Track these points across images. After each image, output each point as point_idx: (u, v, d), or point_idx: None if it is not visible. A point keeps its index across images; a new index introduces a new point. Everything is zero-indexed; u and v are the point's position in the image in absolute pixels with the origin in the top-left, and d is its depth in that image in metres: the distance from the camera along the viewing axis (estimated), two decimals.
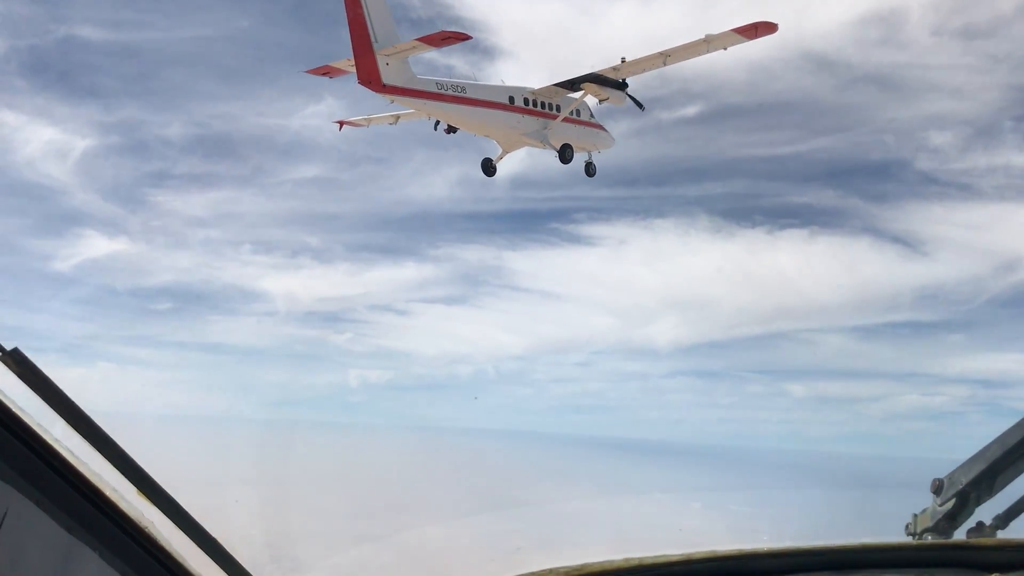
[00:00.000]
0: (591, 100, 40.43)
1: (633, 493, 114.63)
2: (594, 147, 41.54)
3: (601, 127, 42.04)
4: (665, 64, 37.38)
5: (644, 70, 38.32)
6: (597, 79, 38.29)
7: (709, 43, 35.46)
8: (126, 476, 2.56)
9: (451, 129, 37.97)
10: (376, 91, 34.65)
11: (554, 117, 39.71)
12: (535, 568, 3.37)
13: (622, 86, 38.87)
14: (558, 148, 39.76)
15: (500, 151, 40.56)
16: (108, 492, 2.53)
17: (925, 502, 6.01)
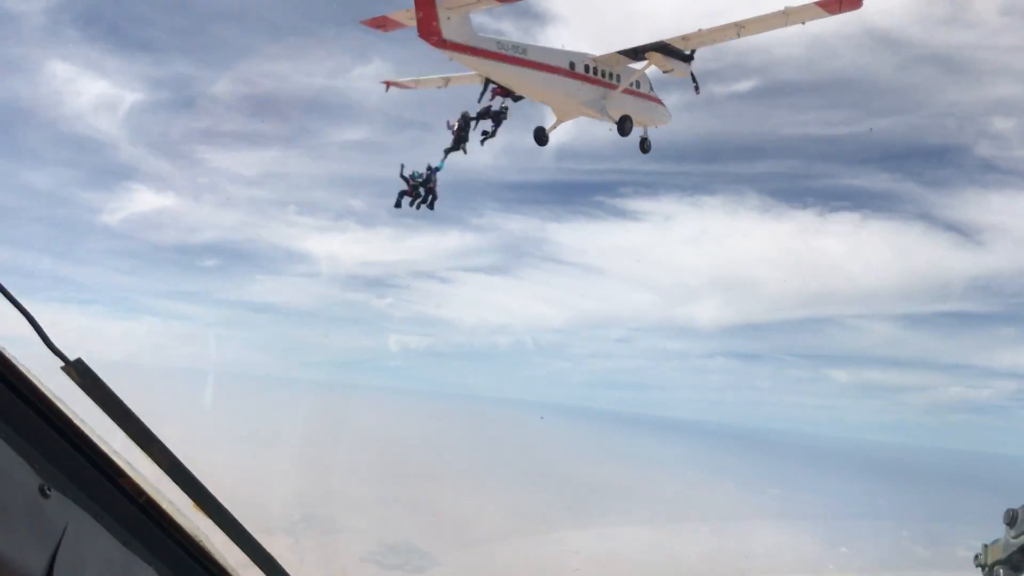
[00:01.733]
0: (652, 72, 39.45)
1: (665, 469, 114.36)
2: (651, 122, 40.47)
3: (660, 101, 41.02)
4: (739, 35, 36.07)
5: (715, 42, 36.88)
6: (663, 49, 36.97)
7: (788, 15, 33.76)
8: (183, 488, 2.59)
9: (506, 94, 37.22)
10: (435, 45, 33.66)
11: (614, 87, 38.44)
12: None
13: (688, 58, 37.72)
14: (616, 119, 38.54)
15: (554, 120, 39.70)
16: (165, 505, 2.58)
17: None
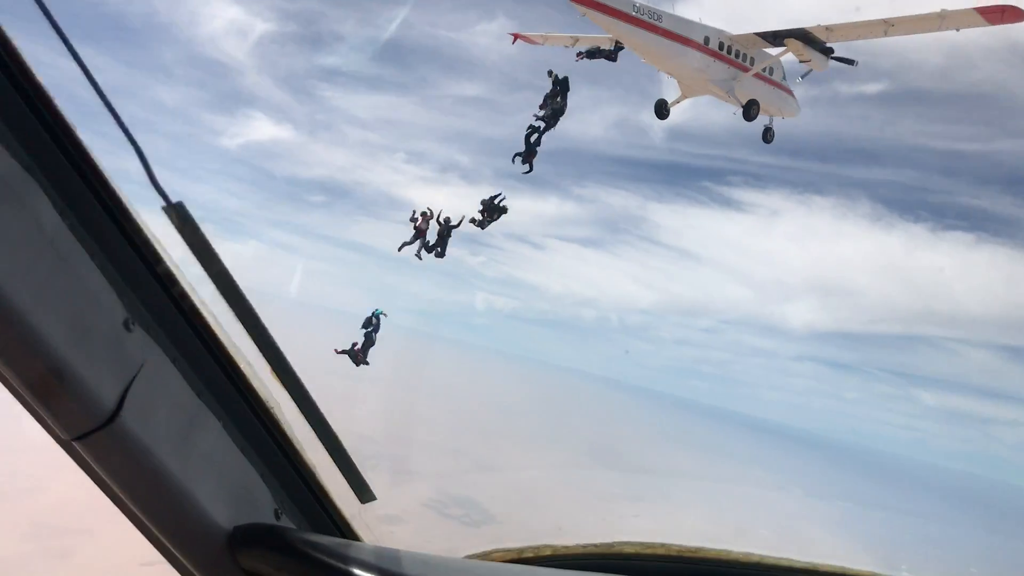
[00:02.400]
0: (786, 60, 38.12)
1: (732, 465, 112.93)
2: (779, 112, 38.88)
3: (791, 92, 39.36)
4: (886, 34, 34.15)
5: (860, 37, 35.05)
6: (803, 37, 35.39)
7: (944, 20, 32.27)
8: (263, 353, 2.56)
9: (607, 55, 36.39)
10: (572, 0, 33.39)
11: (746, 69, 36.90)
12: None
13: (828, 51, 36.19)
14: (743, 103, 37.28)
15: (678, 94, 38.66)
16: (242, 365, 2.57)
17: None
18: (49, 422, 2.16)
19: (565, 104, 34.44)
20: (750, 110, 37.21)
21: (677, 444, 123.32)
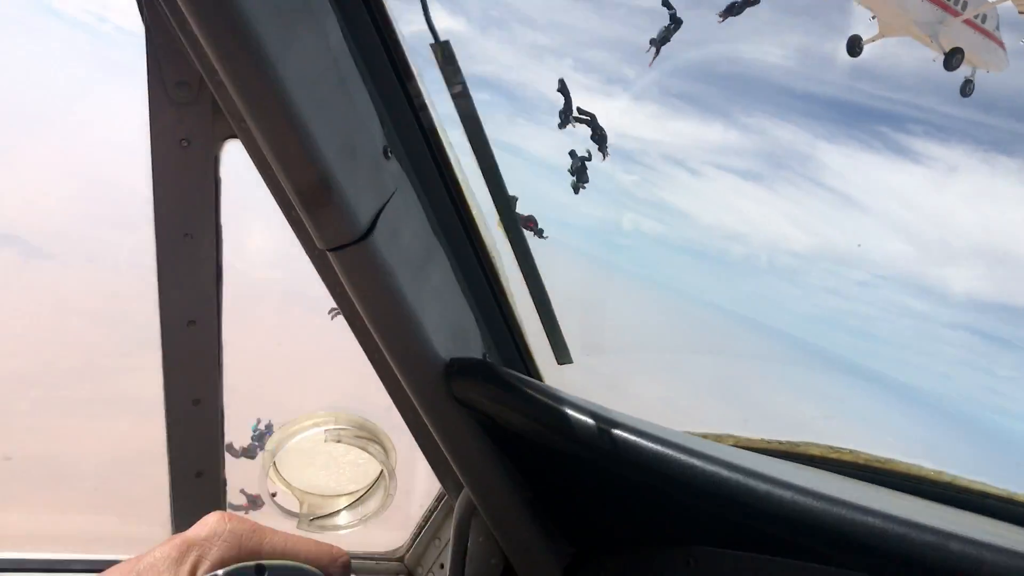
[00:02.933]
0: (1003, 8, 34.72)
1: (862, 428, 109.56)
2: (985, 64, 35.41)
3: (1002, 44, 35.96)
4: None
5: None
6: None
7: None
8: (496, 204, 2.68)
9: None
10: None
11: (956, 13, 34.01)
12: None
13: None
14: (946, 50, 34.49)
15: (875, 32, 35.99)
16: (476, 214, 2.71)
17: None
18: (311, 231, 2.26)
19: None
20: (952, 59, 33.83)
21: (804, 395, 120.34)
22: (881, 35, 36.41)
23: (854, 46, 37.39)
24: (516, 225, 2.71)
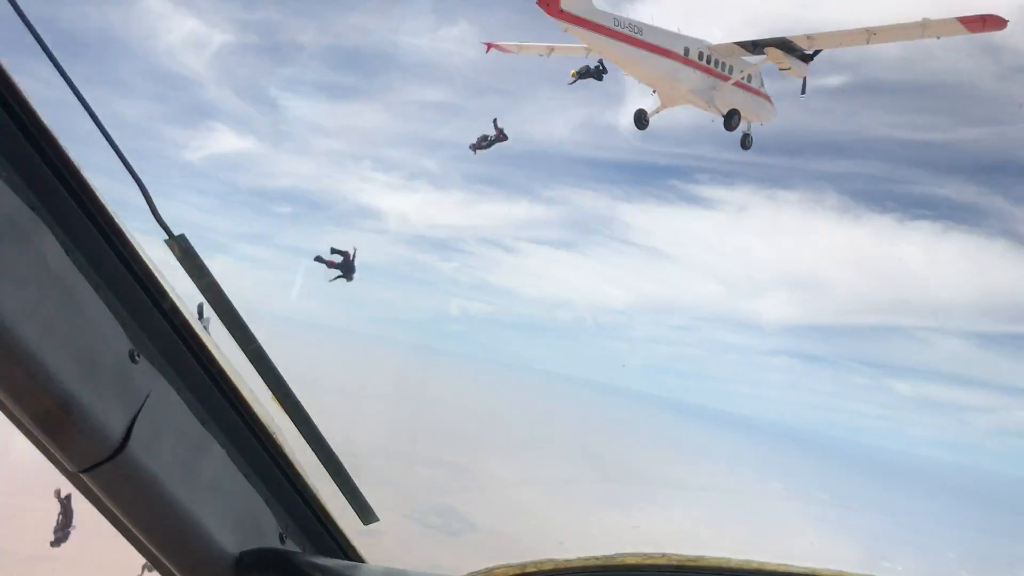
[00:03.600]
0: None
1: (713, 462, 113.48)
2: (758, 118, 38.48)
3: (769, 98, 39.10)
4: (868, 42, 33.53)
5: (842, 45, 34.76)
6: (784, 45, 34.99)
7: (926, 28, 32.24)
8: (265, 380, 2.59)
9: (595, 75, 36.22)
10: (551, 14, 31.91)
11: (726, 78, 36.58)
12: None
13: (808, 58, 35.88)
14: (724, 113, 36.75)
15: (658, 104, 38.28)
16: (245, 393, 2.59)
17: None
18: (57, 455, 2.16)
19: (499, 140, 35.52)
20: (731, 119, 37.08)
21: (655, 445, 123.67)
22: (663, 106, 38.70)
23: (640, 119, 39.54)
24: (290, 395, 2.66)
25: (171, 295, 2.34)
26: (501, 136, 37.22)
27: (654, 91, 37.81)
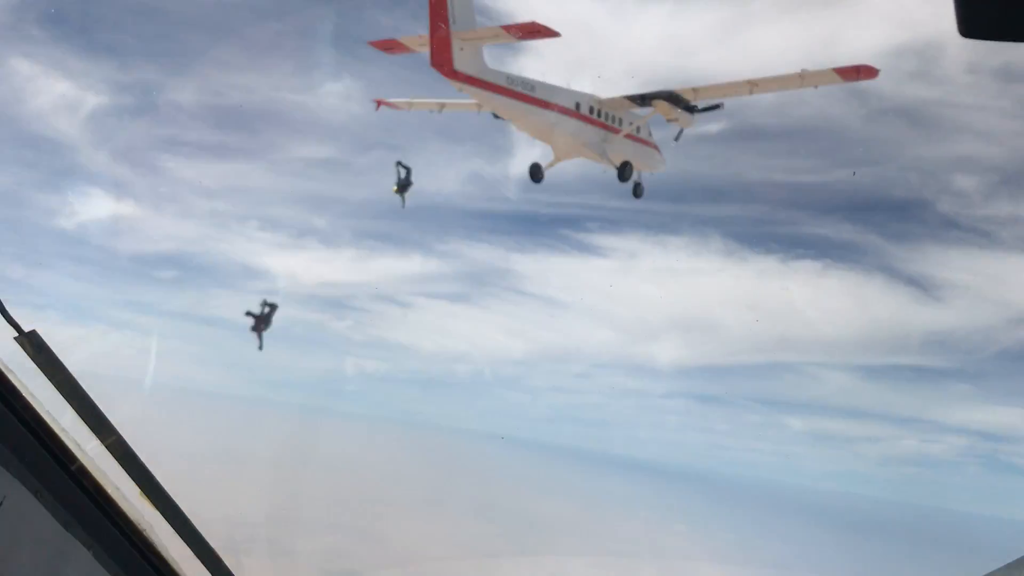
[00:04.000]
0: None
1: (618, 508, 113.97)
2: (647, 168, 39.93)
3: (657, 148, 40.55)
4: (751, 93, 35.56)
5: (725, 96, 36.54)
6: (671, 98, 36.55)
7: (804, 79, 34.07)
8: (130, 475, 2.47)
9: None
10: (446, 75, 32.74)
11: (616, 131, 37.80)
12: None
13: (693, 108, 37.43)
14: (617, 164, 37.92)
15: (552, 158, 39.04)
16: (110, 490, 2.47)
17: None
18: None
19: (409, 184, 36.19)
20: (624, 170, 38.08)
21: (560, 493, 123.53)
22: (558, 159, 39.59)
23: (536, 173, 40.30)
24: (159, 489, 2.50)
25: (22, 392, 2.19)
26: (407, 178, 37.31)
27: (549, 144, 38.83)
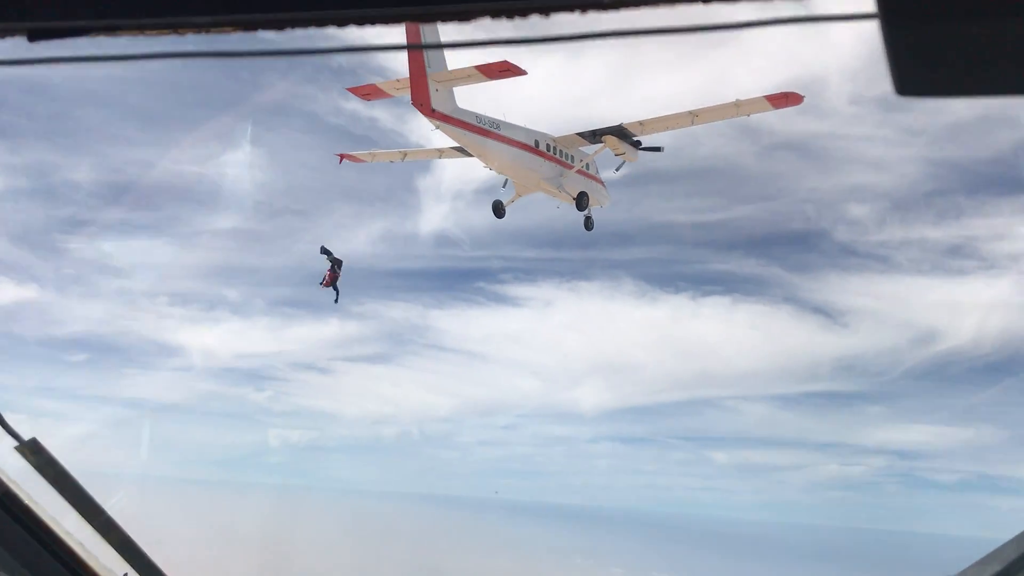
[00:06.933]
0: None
1: (554, 558, 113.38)
2: (597, 202, 42.29)
3: (603, 183, 42.95)
4: (692, 123, 37.59)
5: (669, 128, 38.35)
6: (619, 133, 38.46)
7: (739, 107, 36.22)
8: (137, 572, 2.46)
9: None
10: (425, 115, 34.52)
11: (569, 166, 39.78)
12: None
13: (638, 143, 39.74)
14: (574, 196, 39.89)
15: (512, 194, 41.05)
16: (95, 565, 2.40)
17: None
18: None
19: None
20: (581, 202, 40.30)
21: (495, 549, 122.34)
22: (519, 195, 41.09)
23: (498, 209, 41.73)
24: (144, 560, 2.52)
25: (25, 500, 2.20)
26: (335, 267, 38.74)
27: (504, 184, 40.56)
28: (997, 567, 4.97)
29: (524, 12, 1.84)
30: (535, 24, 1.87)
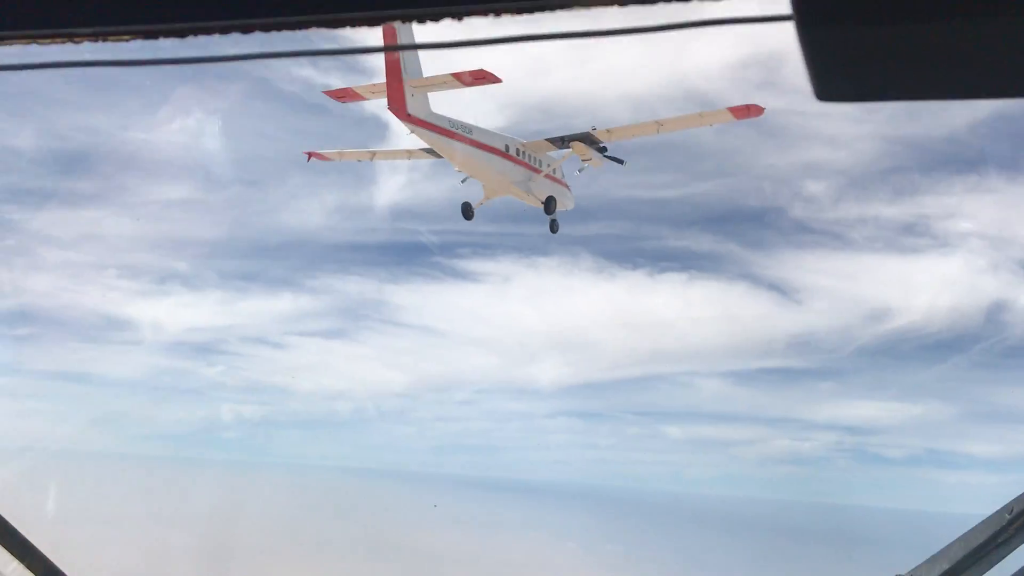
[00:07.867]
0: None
1: (510, 533, 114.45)
2: (563, 205, 42.90)
3: (568, 188, 44.79)
4: (658, 132, 39.12)
5: (634, 136, 40.14)
6: (587, 139, 39.48)
7: (703, 117, 38.50)
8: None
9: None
10: (401, 119, 35.37)
11: (538, 171, 40.87)
12: None
13: (604, 150, 41.54)
14: (542, 200, 41.14)
15: (482, 196, 42.52)
16: None
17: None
18: None
19: None
20: (549, 205, 41.57)
21: (452, 524, 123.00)
22: (488, 197, 41.83)
23: (467, 211, 42.51)
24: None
25: None
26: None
27: (463, 179, 41.53)
28: (946, 565, 5.09)
29: (505, 11, 1.85)
30: (509, 21, 1.90)
